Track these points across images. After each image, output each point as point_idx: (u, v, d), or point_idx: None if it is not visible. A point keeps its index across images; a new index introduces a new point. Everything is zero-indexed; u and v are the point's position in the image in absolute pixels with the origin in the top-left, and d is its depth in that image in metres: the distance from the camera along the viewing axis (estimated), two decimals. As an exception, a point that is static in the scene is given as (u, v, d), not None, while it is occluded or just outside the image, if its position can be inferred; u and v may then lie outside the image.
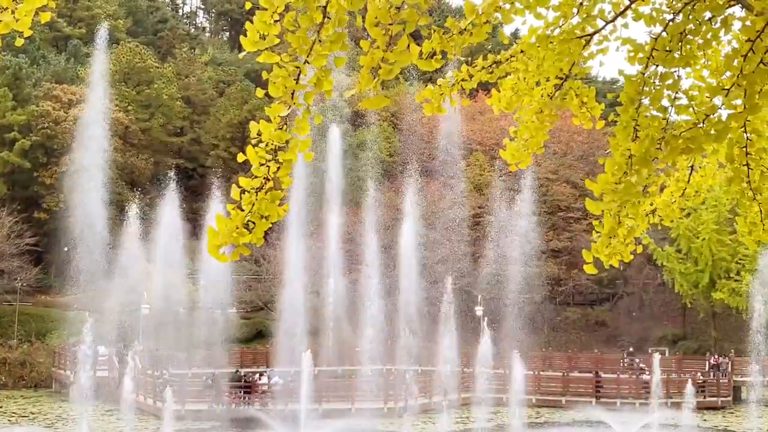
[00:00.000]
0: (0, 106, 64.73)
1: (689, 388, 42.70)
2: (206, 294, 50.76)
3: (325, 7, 3.44)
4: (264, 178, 3.53)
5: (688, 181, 5.19)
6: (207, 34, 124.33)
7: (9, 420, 39.62)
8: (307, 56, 3.47)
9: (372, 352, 49.82)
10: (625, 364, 54.98)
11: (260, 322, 59.79)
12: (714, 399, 47.74)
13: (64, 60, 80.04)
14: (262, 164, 3.53)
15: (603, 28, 4.48)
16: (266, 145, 3.54)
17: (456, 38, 4.23)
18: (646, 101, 4.06)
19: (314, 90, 3.55)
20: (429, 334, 50.11)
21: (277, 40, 3.56)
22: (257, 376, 46.16)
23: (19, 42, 3.98)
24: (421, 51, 4.12)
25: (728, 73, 3.91)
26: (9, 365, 52.52)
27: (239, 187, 3.55)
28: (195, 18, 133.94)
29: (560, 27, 4.49)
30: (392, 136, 75.48)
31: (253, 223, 3.53)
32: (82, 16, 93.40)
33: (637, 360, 54.36)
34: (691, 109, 3.96)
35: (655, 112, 4.04)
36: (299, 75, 3.50)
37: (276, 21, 3.48)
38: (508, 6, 4.13)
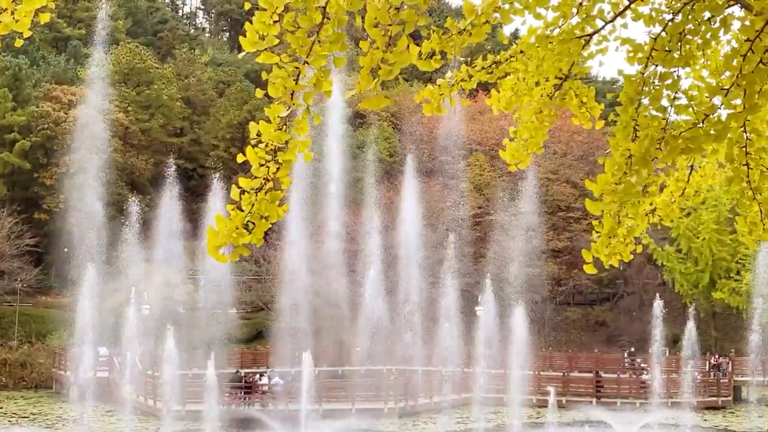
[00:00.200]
0: (0, 107, 64.73)
1: (689, 387, 42.75)
2: (206, 294, 50.78)
3: (324, 8, 3.45)
4: (264, 178, 3.53)
5: (688, 180, 5.19)
6: (207, 35, 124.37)
7: (9, 421, 39.62)
8: (307, 57, 3.47)
9: (372, 353, 49.86)
10: (627, 364, 54.99)
11: (260, 322, 59.79)
12: (714, 399, 47.74)
13: (64, 61, 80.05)
14: (261, 165, 3.53)
15: (602, 28, 4.49)
16: (266, 145, 3.54)
17: (455, 38, 4.23)
18: (645, 101, 4.07)
19: (314, 90, 3.55)
20: (429, 334, 50.10)
21: (277, 41, 3.56)
22: (257, 376, 46.18)
23: (19, 43, 3.98)
24: (420, 51, 4.12)
25: (728, 73, 3.92)
26: (9, 366, 52.52)
27: (239, 187, 3.56)
28: (195, 18, 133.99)
29: (560, 27, 4.49)
30: (392, 136, 75.49)
31: (253, 223, 3.53)
32: (81, 17, 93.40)
33: (639, 360, 54.37)
34: (690, 109, 3.96)
35: (654, 112, 4.04)
36: (299, 75, 3.50)
37: (275, 21, 3.48)
38: (507, 6, 4.13)
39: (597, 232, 4.58)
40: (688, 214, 56.12)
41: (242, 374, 46.24)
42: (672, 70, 4.03)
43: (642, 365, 52.75)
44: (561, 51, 4.51)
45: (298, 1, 3.45)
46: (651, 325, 50.67)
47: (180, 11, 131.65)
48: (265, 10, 3.48)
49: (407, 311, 51.11)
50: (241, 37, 3.58)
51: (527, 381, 45.09)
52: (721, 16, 3.99)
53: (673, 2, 4.08)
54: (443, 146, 66.27)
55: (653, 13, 4.14)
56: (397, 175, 64.28)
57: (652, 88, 4.05)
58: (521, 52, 4.79)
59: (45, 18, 3.84)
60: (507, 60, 4.87)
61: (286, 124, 3.55)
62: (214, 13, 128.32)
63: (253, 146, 3.56)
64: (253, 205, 3.52)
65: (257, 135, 3.56)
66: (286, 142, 3.54)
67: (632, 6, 4.31)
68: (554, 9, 4.38)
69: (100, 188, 52.89)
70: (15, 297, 57.06)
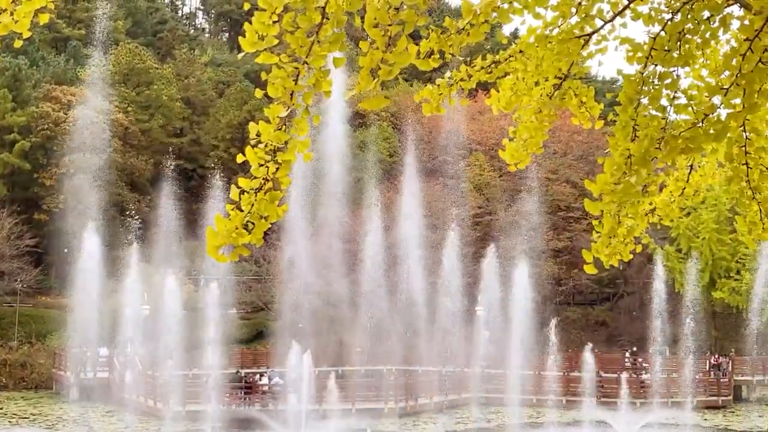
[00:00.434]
0: (0, 107, 64.74)
1: (689, 386, 42.77)
2: (206, 295, 50.74)
3: (323, 8, 3.45)
4: (263, 178, 3.53)
5: (688, 180, 5.20)
6: (206, 35, 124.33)
7: (9, 421, 39.62)
8: (306, 57, 3.48)
9: (372, 353, 49.85)
10: (629, 364, 54.96)
11: (260, 322, 59.78)
12: (714, 398, 47.74)
13: (63, 61, 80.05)
14: (261, 165, 3.53)
15: (602, 27, 4.49)
16: (265, 145, 3.54)
17: (454, 38, 4.23)
18: (645, 101, 4.06)
19: (313, 90, 3.55)
20: (429, 334, 50.10)
21: (276, 41, 3.56)
22: (257, 376, 46.19)
23: (19, 43, 3.98)
24: (419, 50, 4.12)
25: (727, 73, 3.92)
26: (9, 366, 52.52)
27: (238, 187, 3.56)
28: (194, 19, 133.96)
29: (559, 27, 4.49)
30: (392, 136, 75.50)
31: (253, 223, 3.53)
32: (81, 18, 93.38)
33: (640, 359, 54.36)
34: (690, 108, 3.96)
35: (654, 112, 4.03)
36: (298, 76, 3.50)
37: (275, 22, 3.48)
38: (506, 6, 4.13)
39: (597, 232, 4.58)
40: (688, 213, 56.14)
41: (242, 374, 46.25)
42: (671, 69, 4.03)
43: (644, 365, 52.76)
44: (560, 51, 4.51)
45: (298, 2, 3.45)
46: (651, 325, 50.72)
47: (179, 12, 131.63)
48: (265, 10, 3.48)
49: (407, 311, 51.09)
50: (240, 38, 3.58)
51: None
52: (721, 16, 3.99)
53: (673, 2, 4.08)
54: (443, 146, 66.26)
55: (652, 13, 4.14)
56: (397, 175, 64.28)
57: (651, 87, 4.05)
58: (520, 51, 4.79)
59: (44, 19, 3.84)
60: (506, 60, 4.88)
61: (285, 125, 3.55)
62: (214, 14, 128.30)
63: (253, 146, 3.56)
64: (252, 205, 3.53)
65: (257, 135, 3.56)
66: (286, 143, 3.54)
67: (631, 5, 4.31)
68: (553, 9, 4.38)
69: (99, 189, 52.88)
70: (15, 297, 57.06)
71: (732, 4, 3.97)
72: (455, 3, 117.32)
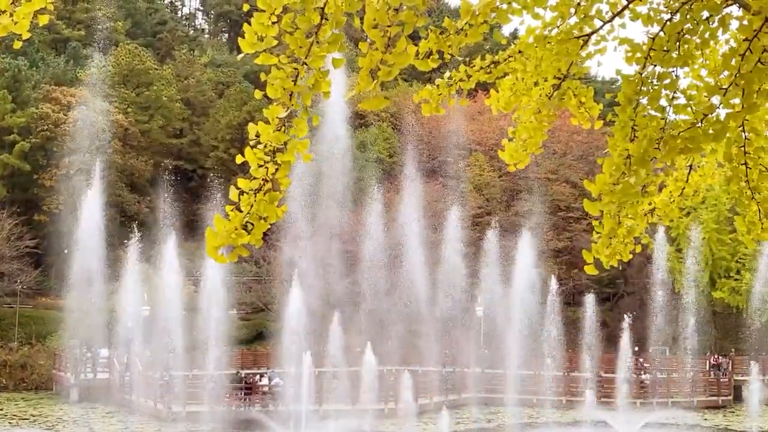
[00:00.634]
0: (0, 108, 64.74)
1: (689, 386, 42.78)
2: (206, 295, 50.74)
3: (322, 9, 3.45)
4: (262, 179, 3.53)
5: (687, 180, 5.20)
6: (206, 36, 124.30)
7: (9, 422, 39.63)
8: (305, 58, 3.48)
9: (372, 353, 49.75)
10: (630, 364, 54.85)
11: (260, 323, 59.78)
12: (715, 398, 47.75)
13: (63, 62, 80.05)
14: (260, 166, 3.53)
15: (601, 28, 4.49)
16: (265, 146, 3.54)
17: (453, 38, 4.23)
18: (644, 101, 4.06)
19: (312, 91, 3.55)
20: (430, 334, 50.09)
21: (275, 42, 3.56)
22: (258, 377, 46.19)
23: (18, 45, 3.98)
24: (418, 51, 4.12)
25: (726, 73, 3.92)
26: (9, 367, 52.53)
27: (238, 188, 3.56)
28: (194, 20, 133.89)
29: (558, 27, 4.49)
30: (392, 136, 75.51)
31: (252, 224, 3.54)
32: (81, 18, 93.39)
33: (641, 359, 54.33)
34: (689, 108, 3.96)
35: (653, 112, 4.04)
36: (297, 76, 3.50)
37: (274, 23, 3.48)
38: (505, 6, 4.13)
39: (597, 232, 4.58)
40: (688, 213, 56.16)
41: (242, 375, 46.25)
42: (670, 69, 4.04)
43: (645, 365, 52.75)
44: (559, 51, 4.52)
45: (297, 3, 3.45)
46: (651, 325, 50.71)
47: (179, 12, 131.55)
48: (264, 11, 3.48)
49: (407, 311, 51.08)
50: (239, 39, 3.58)
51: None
52: (720, 16, 3.99)
53: (672, 2, 4.08)
54: (443, 146, 66.26)
55: (651, 13, 4.14)
56: (397, 176, 64.29)
57: (650, 87, 4.05)
58: (520, 52, 4.79)
59: (44, 20, 3.84)
60: (505, 60, 4.88)
61: (284, 125, 3.55)
62: (213, 15, 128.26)
63: (252, 147, 3.56)
64: (252, 206, 3.53)
65: (256, 136, 3.56)
66: (285, 143, 3.54)
67: (630, 6, 4.32)
68: (552, 9, 4.38)
69: (99, 190, 52.87)
70: (15, 299, 57.06)
71: (731, 5, 3.98)
72: (455, 3, 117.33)
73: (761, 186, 4.45)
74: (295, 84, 3.50)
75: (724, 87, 3.87)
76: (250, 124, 3.58)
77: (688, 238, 57.54)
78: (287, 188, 3.75)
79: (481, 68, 4.88)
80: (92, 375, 49.00)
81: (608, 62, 4.95)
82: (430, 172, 65.17)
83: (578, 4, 4.39)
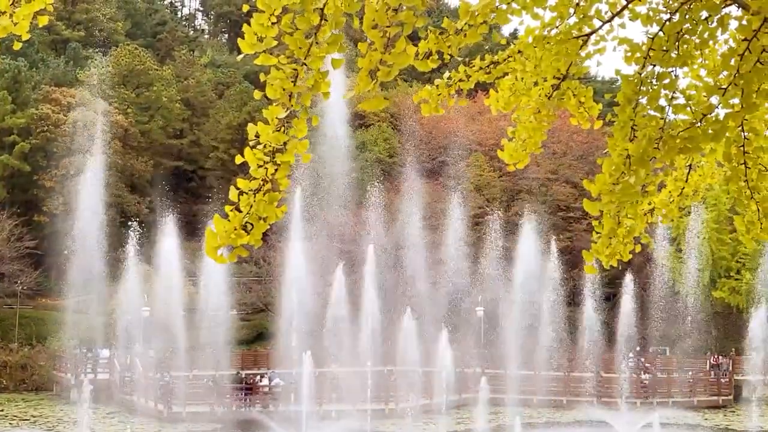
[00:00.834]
0: (0, 109, 64.82)
1: (689, 386, 42.78)
2: (206, 296, 50.76)
3: (322, 10, 3.45)
4: (262, 179, 3.54)
5: (687, 180, 5.20)
6: (206, 36, 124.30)
7: (10, 423, 39.64)
8: (305, 58, 3.48)
9: (372, 353, 49.74)
10: (632, 364, 54.87)
11: (261, 323, 59.78)
12: (715, 398, 47.74)
13: (63, 63, 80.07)
14: (260, 166, 3.54)
15: (600, 28, 4.49)
16: (264, 147, 3.54)
17: (452, 39, 4.23)
18: (643, 101, 4.06)
19: (312, 92, 3.55)
20: (430, 334, 50.07)
21: (275, 43, 3.57)
22: (258, 377, 46.20)
23: (18, 45, 3.98)
24: (417, 51, 4.12)
25: (725, 73, 3.92)
26: (10, 368, 52.53)
27: (237, 189, 3.56)
28: (194, 20, 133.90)
29: (557, 27, 4.50)
30: (392, 137, 75.51)
31: (252, 224, 3.54)
32: (80, 19, 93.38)
33: (642, 359, 54.34)
34: (688, 108, 3.96)
35: (652, 112, 4.03)
36: (297, 77, 3.50)
37: (273, 23, 3.48)
38: (504, 6, 4.14)
39: (597, 232, 4.58)
40: (688, 213, 56.16)
41: (243, 376, 46.26)
42: (669, 69, 4.04)
43: (646, 365, 52.76)
44: (559, 51, 4.52)
45: (296, 3, 3.46)
46: (651, 325, 50.69)
47: (179, 13, 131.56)
48: (263, 12, 3.48)
49: (407, 312, 51.06)
50: (239, 39, 3.58)
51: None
52: (719, 16, 3.99)
53: (671, 2, 4.09)
54: (443, 146, 66.25)
55: (650, 13, 4.14)
56: (397, 176, 64.29)
57: (649, 87, 4.05)
58: (519, 52, 4.79)
59: (44, 21, 3.84)
60: (505, 60, 4.88)
61: (284, 126, 3.55)
62: (213, 15, 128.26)
63: (252, 148, 3.56)
64: (251, 206, 3.53)
65: (256, 136, 3.56)
66: (285, 144, 3.54)
67: (629, 6, 4.32)
68: (551, 9, 4.38)
69: (99, 190, 52.88)
70: (15, 299, 57.08)
71: (730, 5, 3.98)
72: (454, 3, 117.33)
73: (760, 186, 4.45)
74: (294, 84, 3.50)
75: (723, 87, 3.87)
76: (250, 125, 3.59)
77: (687, 239, 57.55)
78: (287, 188, 3.75)
79: (481, 68, 4.88)
80: (93, 375, 49.00)
81: (608, 62, 4.95)
82: (430, 172, 65.16)
83: (577, 4, 4.39)
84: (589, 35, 4.53)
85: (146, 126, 73.97)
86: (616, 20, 4.45)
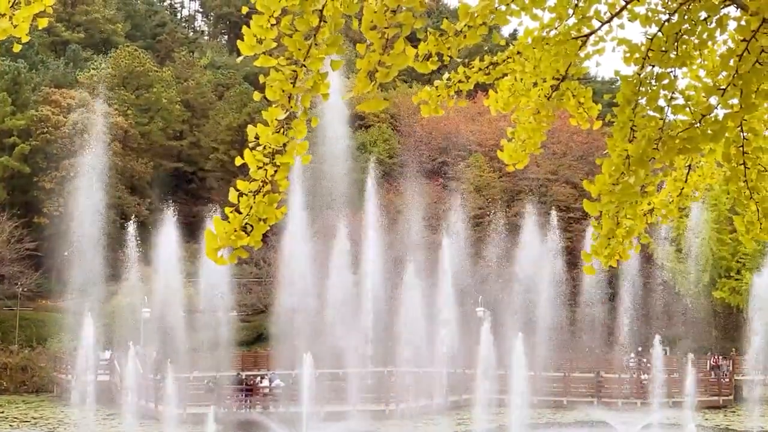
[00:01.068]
0: (-1, 111, 64.83)
1: (690, 386, 42.72)
2: (206, 297, 50.78)
3: (321, 11, 3.46)
4: (262, 181, 3.54)
5: (686, 180, 5.20)
6: (206, 38, 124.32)
7: (10, 425, 39.64)
8: (304, 60, 3.48)
9: (373, 354, 49.80)
10: (633, 364, 54.85)
11: (261, 325, 59.76)
12: (715, 398, 47.73)
13: (63, 65, 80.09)
14: (259, 167, 3.54)
15: (599, 28, 4.49)
16: (264, 148, 3.54)
17: (452, 40, 4.23)
18: (642, 101, 4.07)
19: (311, 93, 3.55)
20: (430, 335, 50.07)
21: (274, 44, 3.57)
22: (258, 379, 46.19)
23: (18, 47, 3.98)
24: (417, 53, 4.13)
25: (724, 73, 3.92)
26: (10, 370, 52.53)
27: (237, 190, 3.56)
28: (193, 22, 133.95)
29: (556, 28, 4.50)
30: (392, 137, 75.52)
31: (251, 226, 3.54)
32: (80, 21, 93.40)
33: (644, 360, 54.31)
34: (687, 109, 3.97)
35: (651, 113, 4.04)
36: (296, 78, 3.51)
37: (273, 25, 3.49)
38: (503, 8, 4.14)
39: (596, 233, 4.58)
40: (688, 213, 56.16)
41: (243, 377, 46.26)
42: (669, 70, 4.04)
43: (647, 365, 52.73)
44: (558, 52, 4.52)
45: (295, 5, 3.46)
46: (651, 324, 50.68)
47: (179, 14, 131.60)
48: (263, 13, 3.49)
49: (407, 312, 51.05)
50: (238, 41, 3.59)
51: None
52: (717, 17, 4.00)
53: (669, 2, 4.09)
54: (442, 147, 66.26)
55: (649, 14, 4.14)
56: (397, 177, 64.29)
57: (649, 88, 4.05)
58: (518, 53, 4.80)
59: (43, 23, 3.84)
60: (504, 61, 4.88)
61: (284, 127, 3.55)
62: (213, 17, 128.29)
63: (252, 149, 3.56)
64: (251, 207, 3.53)
65: (255, 138, 3.57)
66: (284, 145, 3.55)
67: (628, 7, 4.32)
68: (550, 10, 4.39)
69: (99, 192, 52.88)
70: (15, 301, 57.07)
71: (729, 5, 3.98)
72: (454, 4, 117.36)
73: (760, 186, 4.45)
74: (294, 86, 3.50)
75: (722, 87, 3.88)
76: (250, 126, 3.59)
77: (687, 239, 57.55)
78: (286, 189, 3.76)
79: (480, 69, 4.88)
80: (93, 377, 48.95)
81: (607, 63, 4.96)
82: (430, 172, 65.16)
83: (576, 5, 4.39)
84: (588, 36, 4.53)
85: (146, 127, 73.96)
86: (615, 21, 4.45)
